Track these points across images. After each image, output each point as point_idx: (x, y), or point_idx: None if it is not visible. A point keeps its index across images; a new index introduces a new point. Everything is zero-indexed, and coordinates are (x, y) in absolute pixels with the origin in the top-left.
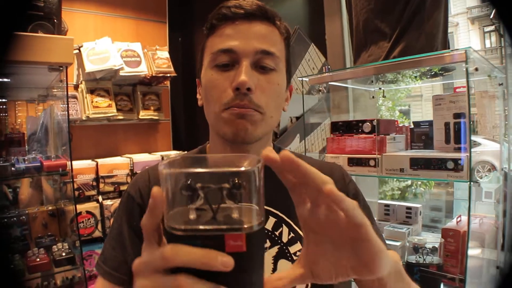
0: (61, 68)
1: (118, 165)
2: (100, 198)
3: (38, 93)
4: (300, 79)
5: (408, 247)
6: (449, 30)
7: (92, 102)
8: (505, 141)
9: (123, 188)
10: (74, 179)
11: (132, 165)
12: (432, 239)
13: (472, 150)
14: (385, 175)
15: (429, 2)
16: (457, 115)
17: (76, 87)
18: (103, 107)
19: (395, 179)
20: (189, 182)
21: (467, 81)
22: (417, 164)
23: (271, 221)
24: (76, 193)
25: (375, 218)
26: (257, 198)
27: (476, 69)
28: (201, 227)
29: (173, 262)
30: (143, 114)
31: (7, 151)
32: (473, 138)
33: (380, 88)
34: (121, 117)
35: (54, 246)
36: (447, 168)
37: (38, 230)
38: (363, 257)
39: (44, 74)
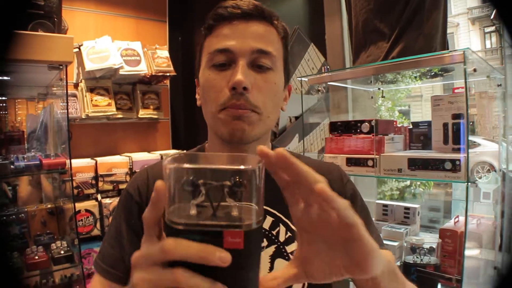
0: (61, 67)
1: (117, 163)
2: (99, 196)
3: (38, 92)
4: (299, 79)
5: (406, 247)
6: (450, 30)
7: (91, 100)
8: (503, 142)
9: (122, 186)
10: (73, 178)
11: (131, 164)
12: (430, 240)
13: (472, 150)
14: (383, 175)
15: (428, 3)
16: (456, 116)
17: (76, 85)
18: (102, 106)
19: (394, 179)
20: (191, 178)
21: (465, 82)
22: (415, 164)
23: (269, 220)
24: (75, 191)
25: (374, 218)
26: (257, 197)
27: (475, 70)
28: (200, 222)
29: (172, 255)
30: (143, 113)
31: (7, 149)
32: (473, 138)
33: (379, 89)
34: (120, 116)
35: (53, 244)
36: (444, 169)
37: (37, 228)
38: (355, 256)
39: (44, 73)
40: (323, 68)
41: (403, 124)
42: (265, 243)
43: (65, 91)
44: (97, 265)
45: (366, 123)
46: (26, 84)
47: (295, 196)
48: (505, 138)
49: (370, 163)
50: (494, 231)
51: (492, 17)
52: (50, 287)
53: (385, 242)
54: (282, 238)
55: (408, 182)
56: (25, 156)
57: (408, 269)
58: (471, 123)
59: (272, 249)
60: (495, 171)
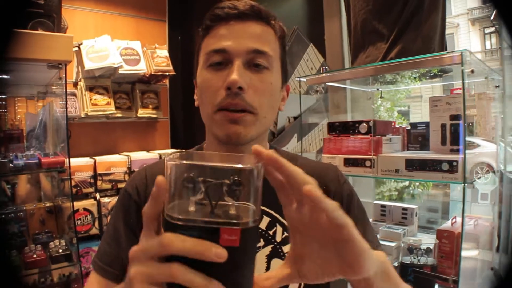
0: (60, 66)
1: (116, 162)
2: (97, 195)
3: (37, 90)
4: (298, 79)
5: (403, 247)
6: (450, 31)
7: (91, 99)
8: (501, 142)
9: (120, 185)
10: (72, 176)
11: (130, 163)
12: (427, 240)
13: (471, 151)
14: (380, 176)
15: (427, 4)
16: (454, 117)
17: (75, 84)
18: (101, 105)
19: (392, 180)
20: (191, 175)
21: (463, 83)
22: (412, 165)
23: (265, 220)
24: (74, 190)
25: (372, 219)
26: (254, 196)
27: (472, 71)
28: (198, 218)
29: (169, 249)
30: (142, 112)
31: (6, 147)
32: (473, 139)
33: (377, 89)
34: (119, 115)
35: (51, 243)
36: (442, 170)
37: (35, 226)
38: (346, 257)
39: (43, 71)
40: (321, 68)
41: (401, 124)
42: (261, 243)
43: (65, 90)
44: (94, 263)
45: (364, 124)
46: (26, 82)
47: (288, 196)
48: (503, 139)
49: (367, 163)
50: (491, 232)
51: (492, 18)
52: (49, 285)
53: (382, 242)
54: (278, 238)
55: (406, 183)
56: (24, 154)
57: (405, 270)
58: (470, 124)
59: (268, 249)
60: (494, 172)
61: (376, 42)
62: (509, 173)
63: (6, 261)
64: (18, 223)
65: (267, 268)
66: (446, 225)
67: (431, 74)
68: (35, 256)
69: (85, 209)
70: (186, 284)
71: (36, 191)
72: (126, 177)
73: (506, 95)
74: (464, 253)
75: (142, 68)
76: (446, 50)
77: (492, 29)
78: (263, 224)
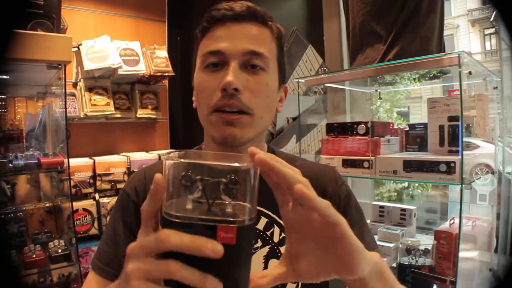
0: (60, 66)
1: (115, 163)
2: (97, 195)
3: (37, 90)
4: (296, 80)
5: (401, 248)
6: (450, 32)
7: (90, 100)
8: (500, 143)
9: (120, 186)
10: (71, 177)
11: (129, 164)
12: (426, 241)
13: (471, 152)
14: (378, 176)
15: (425, 6)
16: (452, 118)
17: (74, 85)
18: (101, 105)
19: (391, 181)
20: (189, 173)
21: (460, 85)
22: (410, 166)
23: (263, 221)
24: (73, 190)
25: (370, 220)
26: (251, 195)
27: (470, 73)
28: (195, 216)
29: (167, 245)
30: (141, 113)
31: (6, 148)
32: (473, 140)
33: (376, 90)
34: (119, 116)
35: (51, 243)
36: (439, 171)
37: (35, 226)
38: (341, 255)
39: (43, 72)
40: (320, 69)
41: (400, 125)
42: (259, 243)
43: (64, 90)
44: (93, 263)
45: (362, 125)
46: (25, 83)
47: (285, 196)
48: (502, 139)
49: (366, 164)
50: (490, 233)
51: (492, 19)
52: (48, 285)
53: (381, 243)
54: (276, 239)
55: (406, 184)
56: (24, 154)
57: (403, 271)
58: (470, 125)
59: (266, 249)
60: (494, 173)
61: (374, 43)
62: (507, 174)
63: (5, 261)
64: (18, 223)
65: (265, 269)
66: (444, 226)
67: (431, 75)
68: (34, 256)
69: (85, 209)
70: (184, 281)
71: (36, 191)
72: (125, 178)
73: (504, 96)
74: (462, 254)
75: (141, 68)
76: (444, 51)
77: (492, 30)
78: (260, 225)
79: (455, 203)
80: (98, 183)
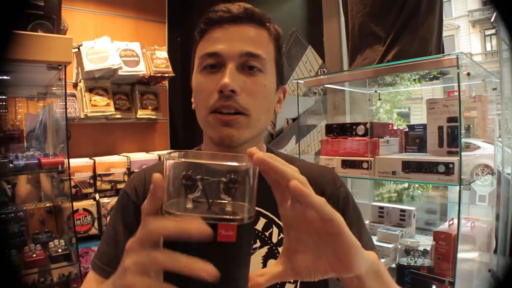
0: (60, 67)
1: (115, 163)
2: (97, 196)
3: (37, 91)
4: (296, 81)
5: (400, 249)
6: (451, 32)
7: (90, 100)
8: (499, 144)
9: (120, 186)
10: (72, 177)
11: (129, 164)
12: (425, 242)
13: (471, 153)
14: (377, 177)
15: (424, 7)
16: (451, 119)
17: (75, 85)
18: (101, 106)
19: (391, 182)
20: (189, 172)
21: (459, 86)
22: (409, 167)
23: (262, 221)
24: (73, 190)
25: (369, 220)
26: (250, 194)
27: (468, 74)
28: (196, 214)
29: (154, 231)
30: (141, 113)
31: (6, 148)
32: (473, 141)
33: (376, 91)
34: (119, 116)
35: (51, 243)
36: (438, 172)
37: (35, 226)
38: (338, 252)
39: (43, 73)
40: (320, 70)
41: (400, 126)
42: (258, 243)
43: (64, 91)
44: (93, 263)
45: (361, 126)
46: (26, 83)
47: (284, 194)
48: (501, 140)
49: (365, 165)
50: (489, 234)
51: (492, 19)
52: (48, 285)
53: (380, 244)
54: (275, 239)
55: (406, 185)
56: (24, 155)
57: (402, 271)
58: (471, 126)
59: (264, 249)
60: (494, 173)
61: (373, 44)
62: (507, 175)
63: (6, 260)
64: (18, 223)
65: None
66: (443, 227)
67: (431, 76)
68: (34, 255)
69: (85, 210)
70: (173, 269)
71: (36, 191)
72: (126, 178)
73: (504, 97)
74: (461, 255)
75: (141, 69)
76: (443, 52)
77: (493, 31)
78: (259, 225)
79: (454, 204)
80: (98, 183)
